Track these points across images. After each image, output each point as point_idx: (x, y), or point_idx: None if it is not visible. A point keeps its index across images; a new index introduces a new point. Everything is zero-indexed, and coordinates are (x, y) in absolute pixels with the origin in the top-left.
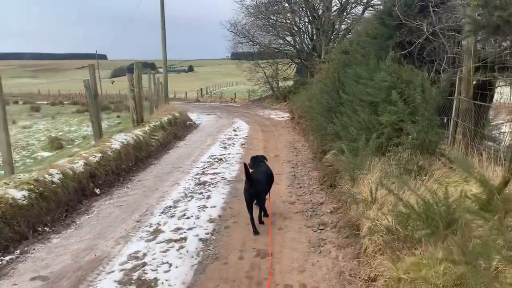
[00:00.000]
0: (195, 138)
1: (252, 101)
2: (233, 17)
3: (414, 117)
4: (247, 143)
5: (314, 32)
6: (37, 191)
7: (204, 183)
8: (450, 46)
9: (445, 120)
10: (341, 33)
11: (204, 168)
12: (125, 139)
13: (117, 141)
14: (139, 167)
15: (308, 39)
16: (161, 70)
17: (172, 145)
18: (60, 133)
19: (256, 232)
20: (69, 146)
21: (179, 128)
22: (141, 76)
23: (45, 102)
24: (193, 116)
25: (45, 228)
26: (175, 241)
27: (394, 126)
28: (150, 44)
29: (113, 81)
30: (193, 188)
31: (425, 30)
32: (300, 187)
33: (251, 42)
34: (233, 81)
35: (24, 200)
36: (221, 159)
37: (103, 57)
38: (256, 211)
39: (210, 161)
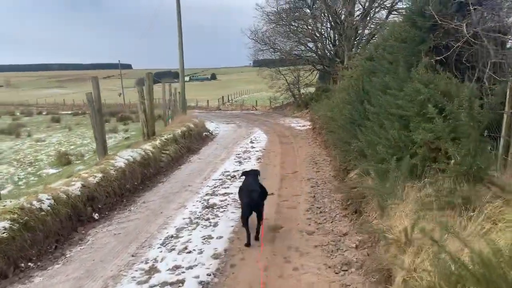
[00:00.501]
0: (210, 151)
1: (273, 109)
2: (253, 24)
3: (456, 136)
4: (263, 157)
5: (336, 38)
6: (21, 221)
7: (212, 206)
8: (495, 50)
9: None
10: (364, 38)
11: (215, 187)
12: (131, 156)
13: (122, 159)
14: (146, 186)
15: (331, 45)
16: (185, 78)
17: (184, 159)
18: (72, 147)
19: (248, 244)
20: (77, 161)
21: (194, 141)
22: (152, 87)
23: (69, 112)
24: (211, 125)
25: (29, 264)
26: (170, 284)
27: (430, 145)
28: (175, 53)
29: (120, 94)
30: (200, 212)
31: (464, 31)
32: (321, 212)
33: (272, 49)
34: (254, 88)
35: (4, 232)
36: (234, 176)
37: (128, 66)
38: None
39: (222, 179)
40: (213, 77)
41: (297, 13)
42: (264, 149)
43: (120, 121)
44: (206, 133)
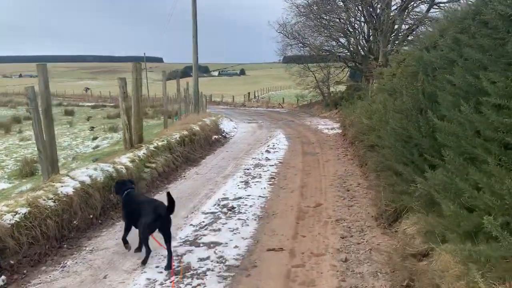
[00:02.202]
0: (214, 162)
1: (300, 107)
2: (282, 17)
3: None
4: (278, 176)
5: (370, 33)
6: None
7: (184, 272)
8: None
9: None
10: (401, 34)
11: (200, 229)
12: (91, 176)
13: (73, 181)
14: (107, 218)
15: (364, 41)
16: (215, 73)
17: (177, 175)
18: (63, 148)
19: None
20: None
21: (197, 148)
22: (139, 81)
23: (90, 104)
24: (230, 125)
25: None
26: None
27: None
28: (205, 48)
29: (87, 89)
30: (160, 285)
31: None
32: None
33: (300, 44)
34: (282, 85)
35: None
36: (233, 208)
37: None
38: None
39: (215, 212)
40: (242, 72)
41: (329, 6)
42: (281, 162)
43: None
44: (216, 137)
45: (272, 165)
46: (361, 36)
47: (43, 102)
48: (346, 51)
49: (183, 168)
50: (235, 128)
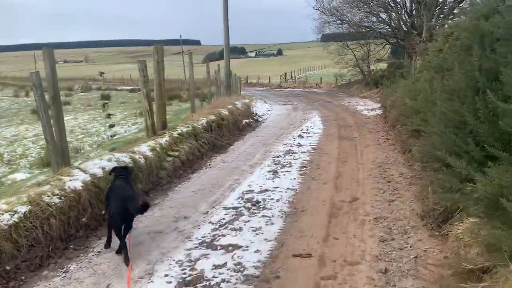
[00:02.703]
0: (243, 148)
1: (338, 87)
2: None
3: None
4: (311, 164)
5: (413, 7)
6: None
7: (196, 283)
8: None
9: None
10: (447, 7)
11: (219, 228)
12: (104, 168)
13: (84, 174)
14: None
15: (406, 16)
16: (251, 54)
17: (202, 163)
18: (80, 136)
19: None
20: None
21: (225, 133)
22: (162, 64)
23: (128, 88)
24: (264, 107)
25: None
26: None
27: None
28: (241, 29)
29: (102, 73)
30: None
31: None
32: None
33: (339, 21)
34: (321, 64)
35: None
36: (258, 202)
37: (197, 42)
38: None
39: (238, 207)
40: (279, 52)
41: None
42: (314, 148)
43: (168, 99)
44: (247, 121)
45: (304, 152)
46: (403, 10)
47: (51, 89)
48: (387, 27)
49: (209, 155)
50: (268, 110)
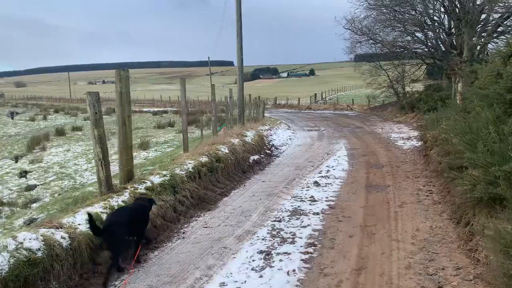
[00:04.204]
0: (239, 203)
1: (371, 109)
2: (350, 11)
3: None
4: (323, 239)
5: (452, 25)
6: None
7: None
8: None
9: None
10: (490, 25)
11: None
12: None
13: None
14: None
15: (444, 34)
16: (283, 74)
17: (175, 230)
18: (63, 176)
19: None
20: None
21: (220, 179)
22: (127, 95)
23: (154, 110)
24: (285, 134)
25: None
26: None
27: None
28: (275, 50)
29: None
30: None
31: None
32: None
33: (371, 41)
34: (354, 84)
35: None
36: None
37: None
38: None
39: None
40: (312, 72)
41: None
42: (331, 206)
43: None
44: (256, 157)
45: (317, 214)
46: (440, 29)
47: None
48: (423, 46)
49: (190, 215)
50: (290, 139)
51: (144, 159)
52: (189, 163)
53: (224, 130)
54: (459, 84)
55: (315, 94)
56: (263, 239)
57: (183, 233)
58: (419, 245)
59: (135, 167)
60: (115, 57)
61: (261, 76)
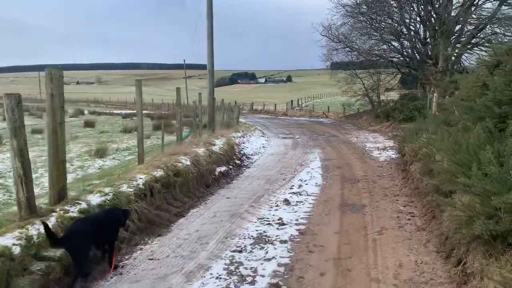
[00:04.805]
0: (196, 226)
1: (346, 117)
2: (327, 18)
3: None
4: (289, 279)
5: (428, 35)
6: None
7: None
8: None
9: None
10: (465, 35)
11: None
12: None
13: None
14: None
15: (420, 44)
16: (261, 80)
17: (105, 269)
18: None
19: None
20: None
21: (178, 195)
22: (60, 100)
23: (126, 112)
24: (259, 142)
25: None
26: None
27: None
28: (254, 55)
29: None
30: None
31: None
32: None
33: (347, 49)
34: (330, 92)
35: None
36: None
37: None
38: None
39: None
40: (289, 79)
41: (378, 2)
42: (301, 232)
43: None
44: (223, 169)
45: (285, 242)
46: (416, 38)
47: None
48: (399, 55)
49: (134, 243)
50: (263, 147)
51: (99, 168)
52: (140, 178)
53: (191, 138)
54: (434, 94)
55: (292, 101)
56: (217, 277)
57: (122, 267)
58: (403, 287)
59: (79, 181)
60: (93, 58)
61: (239, 81)
